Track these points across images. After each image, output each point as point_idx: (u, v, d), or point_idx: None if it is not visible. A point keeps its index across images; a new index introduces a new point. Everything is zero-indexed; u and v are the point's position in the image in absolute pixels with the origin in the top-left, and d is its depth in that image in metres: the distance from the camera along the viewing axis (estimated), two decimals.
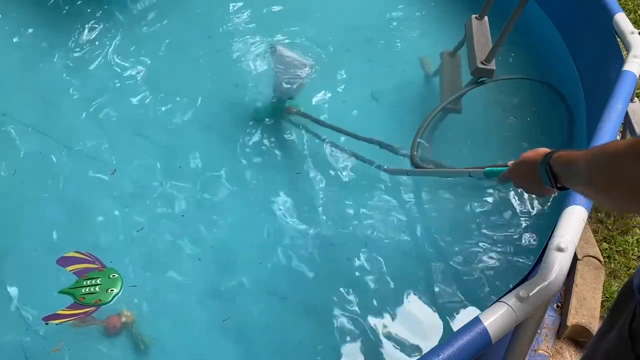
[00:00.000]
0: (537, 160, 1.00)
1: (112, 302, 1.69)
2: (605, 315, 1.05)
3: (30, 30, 2.57)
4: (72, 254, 1.80)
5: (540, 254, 1.22)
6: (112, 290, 1.71)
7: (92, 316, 1.69)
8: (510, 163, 1.18)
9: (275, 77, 2.35)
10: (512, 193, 2.14)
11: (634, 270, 1.97)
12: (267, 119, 2.32)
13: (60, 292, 1.72)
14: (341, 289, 1.85)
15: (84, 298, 1.69)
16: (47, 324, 1.66)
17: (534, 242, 2.01)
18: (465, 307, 1.83)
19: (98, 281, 1.73)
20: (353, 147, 2.22)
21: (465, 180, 2.11)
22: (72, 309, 1.67)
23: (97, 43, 2.54)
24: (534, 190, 1.10)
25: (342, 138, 2.25)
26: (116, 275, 1.75)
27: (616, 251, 2.06)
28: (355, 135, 2.21)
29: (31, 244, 1.88)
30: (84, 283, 1.72)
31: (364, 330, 1.77)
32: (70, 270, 1.75)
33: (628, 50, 1.86)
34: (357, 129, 2.25)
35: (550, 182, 0.97)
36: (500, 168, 1.26)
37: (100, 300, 1.69)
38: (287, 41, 2.59)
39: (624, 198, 0.77)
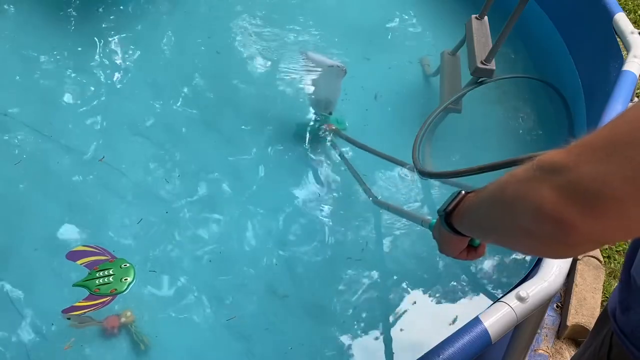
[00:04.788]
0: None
1: (127, 291, 1.70)
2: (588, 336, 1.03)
3: (30, 30, 2.57)
4: (80, 247, 1.81)
5: None
6: (126, 279, 1.71)
7: (90, 316, 1.69)
8: None
9: (314, 88, 2.30)
10: None
11: None
12: (308, 137, 2.26)
13: (74, 285, 1.72)
14: (341, 288, 1.85)
15: (99, 289, 1.69)
16: (68, 318, 1.66)
17: None
18: (465, 307, 1.84)
19: (111, 272, 1.73)
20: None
21: (465, 181, 2.11)
22: (89, 300, 1.68)
23: (96, 42, 2.54)
24: (446, 245, 1.01)
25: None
26: (128, 265, 1.76)
27: (616, 251, 2.06)
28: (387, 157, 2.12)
29: (32, 243, 1.87)
30: (97, 274, 1.72)
31: (364, 329, 1.77)
32: (81, 264, 1.75)
33: (628, 50, 1.86)
34: (357, 128, 2.26)
35: (449, 226, 0.88)
36: None
37: (115, 289, 1.69)
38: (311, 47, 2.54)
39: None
